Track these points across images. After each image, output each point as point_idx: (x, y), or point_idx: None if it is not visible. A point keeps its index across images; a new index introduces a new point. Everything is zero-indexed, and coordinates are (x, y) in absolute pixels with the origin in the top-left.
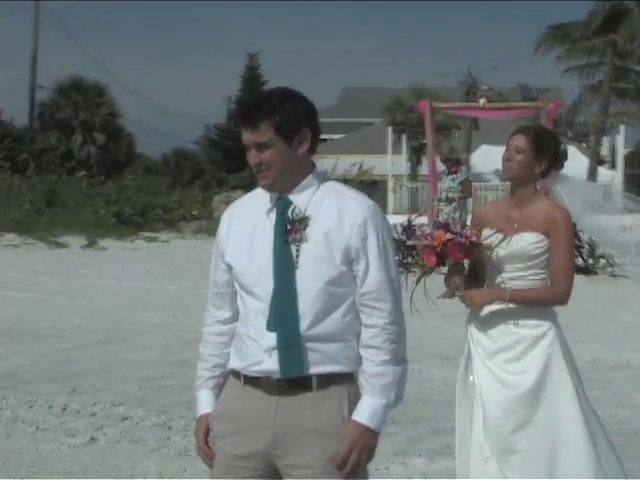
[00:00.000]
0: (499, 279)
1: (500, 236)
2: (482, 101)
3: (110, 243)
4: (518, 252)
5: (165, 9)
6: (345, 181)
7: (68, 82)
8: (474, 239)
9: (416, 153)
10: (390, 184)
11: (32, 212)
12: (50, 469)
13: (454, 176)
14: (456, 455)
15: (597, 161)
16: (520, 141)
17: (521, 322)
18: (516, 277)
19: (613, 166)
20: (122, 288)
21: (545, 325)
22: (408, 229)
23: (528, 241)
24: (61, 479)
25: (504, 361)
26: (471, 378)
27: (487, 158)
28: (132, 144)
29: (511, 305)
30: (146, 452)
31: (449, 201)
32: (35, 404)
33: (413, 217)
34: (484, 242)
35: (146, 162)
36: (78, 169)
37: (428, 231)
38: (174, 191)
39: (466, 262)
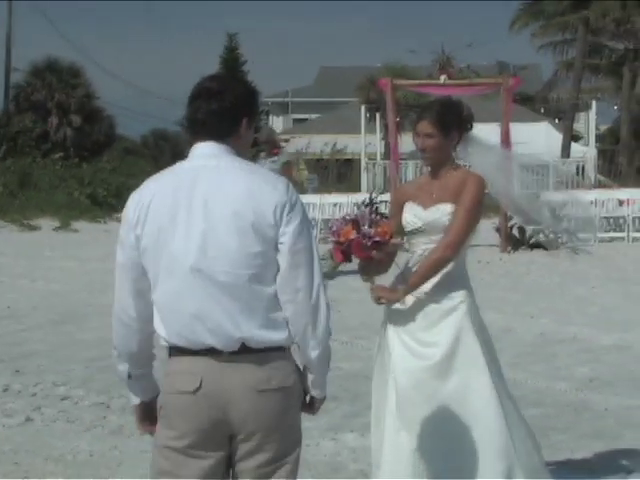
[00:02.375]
0: (417, 252)
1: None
2: (442, 78)
3: (83, 225)
4: (434, 223)
5: None
6: (319, 160)
7: (43, 63)
8: (377, 239)
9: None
10: (363, 163)
11: (5, 195)
12: None
13: (274, 158)
14: (372, 430)
15: (571, 137)
16: (426, 127)
17: (433, 295)
18: (431, 249)
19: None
20: (85, 269)
21: (457, 298)
22: (370, 205)
23: (443, 212)
24: None
25: (415, 332)
26: (387, 350)
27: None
28: (112, 126)
29: (418, 293)
30: (80, 431)
31: None
32: None
33: (374, 195)
34: (392, 241)
35: (126, 144)
36: (54, 151)
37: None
38: (151, 173)
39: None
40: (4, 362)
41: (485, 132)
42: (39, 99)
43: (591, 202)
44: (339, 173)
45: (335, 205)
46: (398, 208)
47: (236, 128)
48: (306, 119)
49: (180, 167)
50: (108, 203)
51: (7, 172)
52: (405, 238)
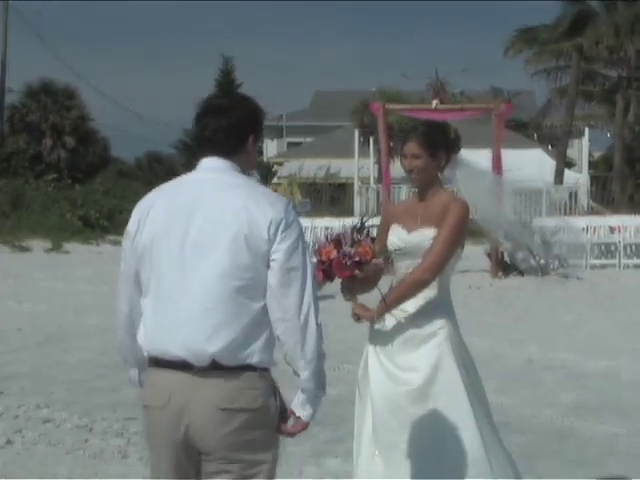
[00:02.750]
0: (401, 275)
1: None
2: (434, 102)
3: (75, 247)
4: (416, 247)
5: (138, 14)
6: (312, 184)
7: (38, 85)
8: (357, 259)
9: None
10: (356, 186)
11: None
12: None
13: None
14: (354, 454)
15: (564, 164)
16: (413, 147)
17: (415, 320)
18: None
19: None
20: (73, 291)
21: (437, 323)
22: (360, 230)
23: (426, 236)
24: None
25: (394, 356)
26: (366, 374)
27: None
28: (107, 148)
29: (402, 313)
30: (61, 454)
31: None
32: None
33: (365, 218)
34: (374, 261)
35: (120, 166)
36: (48, 172)
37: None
38: (144, 195)
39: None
40: None
41: (477, 157)
42: (33, 120)
43: (583, 229)
44: (332, 197)
45: (327, 229)
46: (385, 228)
47: (243, 145)
48: (301, 143)
49: (184, 179)
50: (100, 225)
51: (0, 193)
52: (389, 259)
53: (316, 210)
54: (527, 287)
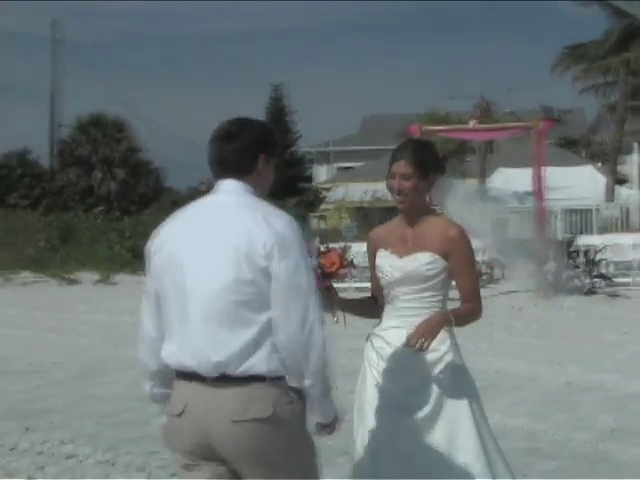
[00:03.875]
0: (398, 302)
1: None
2: (472, 122)
3: (123, 278)
4: (412, 273)
5: (187, 43)
6: (359, 208)
7: (87, 119)
8: (318, 272)
9: None
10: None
11: (47, 249)
12: None
13: None
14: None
15: (615, 180)
16: (403, 167)
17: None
18: (412, 299)
19: None
20: (114, 323)
21: (441, 350)
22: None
23: (421, 262)
24: None
25: (398, 383)
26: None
27: (506, 180)
28: (159, 179)
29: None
30: None
31: None
32: None
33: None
34: (340, 272)
35: (174, 196)
36: (98, 205)
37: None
38: None
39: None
40: (17, 420)
41: (524, 176)
42: (83, 154)
43: (632, 246)
44: (380, 221)
45: None
46: (372, 255)
47: (254, 165)
48: (351, 168)
49: (201, 202)
50: None
51: (49, 227)
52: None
53: (364, 234)
54: (572, 307)
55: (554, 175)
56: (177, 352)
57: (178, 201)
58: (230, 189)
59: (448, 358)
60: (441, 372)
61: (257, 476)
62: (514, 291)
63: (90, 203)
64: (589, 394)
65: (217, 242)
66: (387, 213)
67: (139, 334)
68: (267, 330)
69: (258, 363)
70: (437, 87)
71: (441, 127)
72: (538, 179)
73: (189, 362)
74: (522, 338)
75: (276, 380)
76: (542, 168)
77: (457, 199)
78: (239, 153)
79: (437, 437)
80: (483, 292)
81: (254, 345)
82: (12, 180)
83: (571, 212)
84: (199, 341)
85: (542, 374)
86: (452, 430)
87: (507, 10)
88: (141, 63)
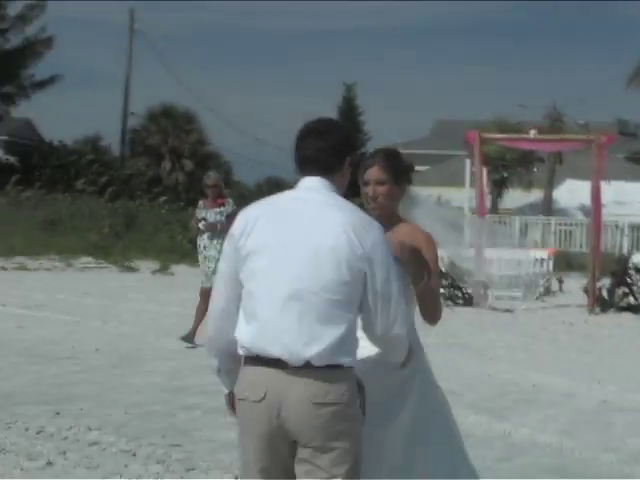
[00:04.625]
0: None
1: None
2: (532, 132)
3: (181, 269)
4: None
5: (258, 38)
6: None
7: (159, 109)
8: None
9: (497, 186)
10: (467, 217)
11: (111, 236)
12: None
13: (221, 209)
14: None
15: None
16: (376, 173)
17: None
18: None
19: None
20: (162, 313)
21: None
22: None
23: None
24: None
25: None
26: None
27: (572, 193)
28: (229, 172)
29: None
30: (97, 479)
31: (210, 228)
32: (14, 426)
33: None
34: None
35: (241, 190)
36: (165, 195)
37: None
38: None
39: None
40: (49, 404)
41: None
42: (153, 143)
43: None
44: None
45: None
46: None
47: (341, 165)
48: (418, 171)
49: (287, 195)
50: None
51: (115, 214)
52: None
53: None
54: (623, 324)
55: (623, 190)
56: (262, 339)
57: (245, 195)
58: (316, 187)
59: (420, 375)
60: (413, 388)
61: (323, 451)
62: (567, 305)
63: (157, 193)
64: (623, 415)
65: (311, 238)
66: None
67: (210, 310)
68: (354, 327)
69: (341, 356)
70: (510, 95)
71: (500, 135)
72: (596, 193)
73: (276, 351)
74: (565, 353)
75: (350, 370)
76: (600, 182)
77: (424, 210)
78: (329, 152)
79: (411, 457)
80: (537, 304)
81: (342, 341)
82: (81, 166)
83: (638, 228)
84: (291, 333)
85: (579, 391)
86: (426, 449)
87: (586, 22)
88: (213, 57)
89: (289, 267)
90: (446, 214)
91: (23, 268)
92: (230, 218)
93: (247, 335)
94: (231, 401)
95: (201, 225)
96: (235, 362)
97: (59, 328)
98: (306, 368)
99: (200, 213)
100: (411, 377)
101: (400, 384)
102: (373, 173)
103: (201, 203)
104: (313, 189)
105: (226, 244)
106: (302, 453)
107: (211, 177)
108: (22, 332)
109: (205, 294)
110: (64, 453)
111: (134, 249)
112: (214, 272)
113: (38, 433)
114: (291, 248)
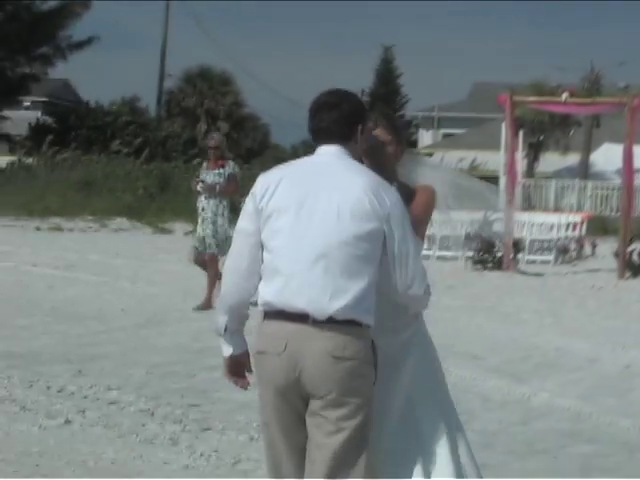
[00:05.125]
0: None
1: None
2: (564, 95)
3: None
4: None
5: (295, 2)
6: None
7: (195, 71)
8: None
9: (534, 149)
10: (501, 180)
11: (145, 197)
12: (8, 449)
13: (220, 170)
14: None
15: None
16: (381, 133)
17: (389, 321)
18: None
19: None
20: (190, 274)
21: (410, 329)
22: None
23: None
24: (17, 459)
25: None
26: None
27: (609, 157)
28: (267, 134)
29: None
30: (114, 437)
31: (208, 190)
32: (35, 384)
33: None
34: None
35: (278, 153)
36: (200, 157)
37: None
38: None
39: None
40: (72, 363)
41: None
42: (189, 105)
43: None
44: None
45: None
46: None
47: (354, 133)
48: (455, 134)
49: (307, 160)
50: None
51: (150, 175)
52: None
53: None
54: None
55: None
56: (287, 293)
57: (281, 157)
58: (334, 152)
59: (417, 340)
60: (412, 357)
61: (336, 405)
62: (598, 270)
63: (192, 154)
64: None
65: (334, 199)
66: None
67: (227, 267)
68: (373, 283)
69: (361, 313)
70: (551, 58)
71: (532, 98)
72: (629, 157)
73: (302, 304)
74: (592, 318)
75: (367, 328)
76: (633, 146)
77: (427, 170)
78: (340, 122)
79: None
80: (568, 268)
81: (363, 296)
82: (117, 127)
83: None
84: (316, 287)
85: (603, 356)
86: (419, 421)
87: None
88: (250, 19)
89: (313, 225)
90: (456, 176)
91: (58, 229)
92: (230, 179)
93: (271, 290)
94: (231, 365)
95: (199, 187)
96: (242, 324)
97: (88, 289)
98: (328, 323)
99: (201, 175)
100: (406, 348)
101: (396, 353)
102: (378, 134)
103: (204, 165)
104: (331, 154)
105: (248, 202)
106: (314, 405)
107: (214, 138)
108: (51, 292)
109: (209, 261)
110: (83, 412)
111: (168, 211)
112: (213, 236)
113: (59, 392)
114: (314, 207)
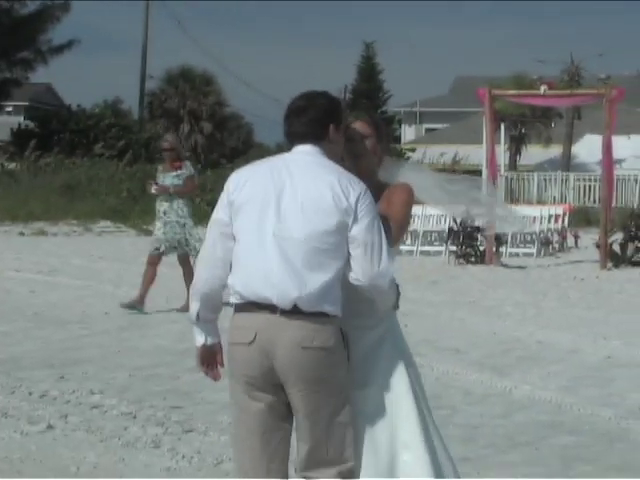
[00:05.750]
0: None
1: None
2: (543, 88)
3: (199, 231)
4: None
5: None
6: (440, 170)
7: (177, 71)
8: None
9: (515, 142)
10: (484, 174)
11: (128, 200)
12: None
13: (177, 172)
14: None
15: None
16: (361, 127)
17: (361, 318)
18: None
19: None
20: (172, 276)
21: (383, 324)
22: None
23: None
24: None
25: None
26: None
27: (591, 148)
28: (250, 133)
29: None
30: (96, 442)
31: (162, 191)
32: (17, 390)
33: None
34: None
35: (262, 152)
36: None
37: None
38: None
39: None
40: (54, 368)
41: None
42: (172, 106)
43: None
44: None
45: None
46: None
47: (325, 133)
48: (437, 129)
49: (280, 157)
50: None
51: (133, 178)
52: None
53: None
54: (634, 279)
55: None
56: (252, 283)
57: (266, 156)
58: (307, 150)
59: (389, 336)
60: (384, 352)
61: (310, 392)
62: (581, 261)
63: None
64: (626, 370)
65: (299, 194)
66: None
67: (201, 256)
68: (339, 276)
69: (327, 303)
70: (531, 51)
71: (511, 92)
72: (608, 148)
73: (267, 293)
74: (573, 309)
75: (335, 318)
76: (612, 136)
77: (408, 171)
78: (309, 124)
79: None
80: (550, 260)
81: (327, 288)
82: (100, 130)
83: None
84: (279, 276)
85: (584, 347)
86: (391, 410)
87: None
88: (231, 18)
89: (277, 217)
90: (437, 176)
91: (42, 233)
92: (187, 179)
93: (239, 281)
94: (203, 354)
95: (153, 189)
96: (214, 313)
97: (70, 293)
98: (295, 313)
99: (159, 178)
100: (379, 343)
101: (368, 351)
102: (358, 127)
103: (160, 167)
104: (305, 152)
105: (222, 195)
106: (290, 394)
107: (168, 140)
108: (33, 297)
109: (154, 261)
110: (65, 417)
111: (152, 213)
112: (180, 240)
113: (41, 397)
114: (280, 202)
